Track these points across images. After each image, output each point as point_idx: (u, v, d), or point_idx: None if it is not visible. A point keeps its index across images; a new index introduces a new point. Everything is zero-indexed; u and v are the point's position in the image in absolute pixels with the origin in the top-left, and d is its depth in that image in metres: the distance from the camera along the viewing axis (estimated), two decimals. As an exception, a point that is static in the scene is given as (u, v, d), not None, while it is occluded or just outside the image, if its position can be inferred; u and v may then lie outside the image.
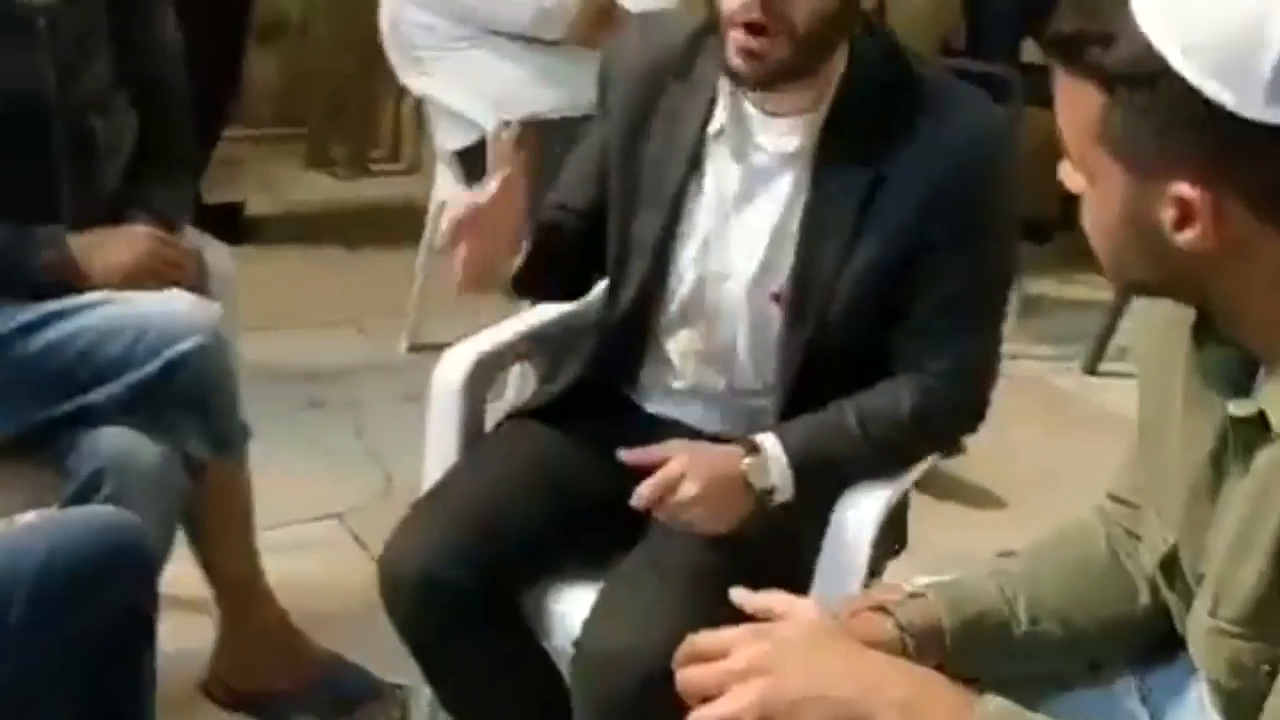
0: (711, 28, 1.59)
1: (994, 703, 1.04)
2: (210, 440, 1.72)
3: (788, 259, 1.60)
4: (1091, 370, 3.52)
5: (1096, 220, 1.03)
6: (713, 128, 1.62)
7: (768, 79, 1.53)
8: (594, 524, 1.65)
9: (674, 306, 1.67)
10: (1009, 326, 1.79)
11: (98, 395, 1.66)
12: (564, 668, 1.62)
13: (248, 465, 1.86)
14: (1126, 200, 0.98)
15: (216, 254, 1.96)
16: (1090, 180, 1.01)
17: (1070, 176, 1.05)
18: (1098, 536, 1.27)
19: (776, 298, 1.61)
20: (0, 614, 1.23)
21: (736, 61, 1.51)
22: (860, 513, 1.54)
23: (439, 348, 2.87)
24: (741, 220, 1.62)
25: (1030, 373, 3.41)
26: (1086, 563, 1.26)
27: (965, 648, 1.18)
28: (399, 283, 3.35)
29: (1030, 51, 3.96)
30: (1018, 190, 1.65)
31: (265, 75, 4.39)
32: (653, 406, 1.74)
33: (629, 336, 1.72)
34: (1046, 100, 1.10)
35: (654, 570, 1.55)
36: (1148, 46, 0.91)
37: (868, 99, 1.57)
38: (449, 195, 1.54)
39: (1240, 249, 0.95)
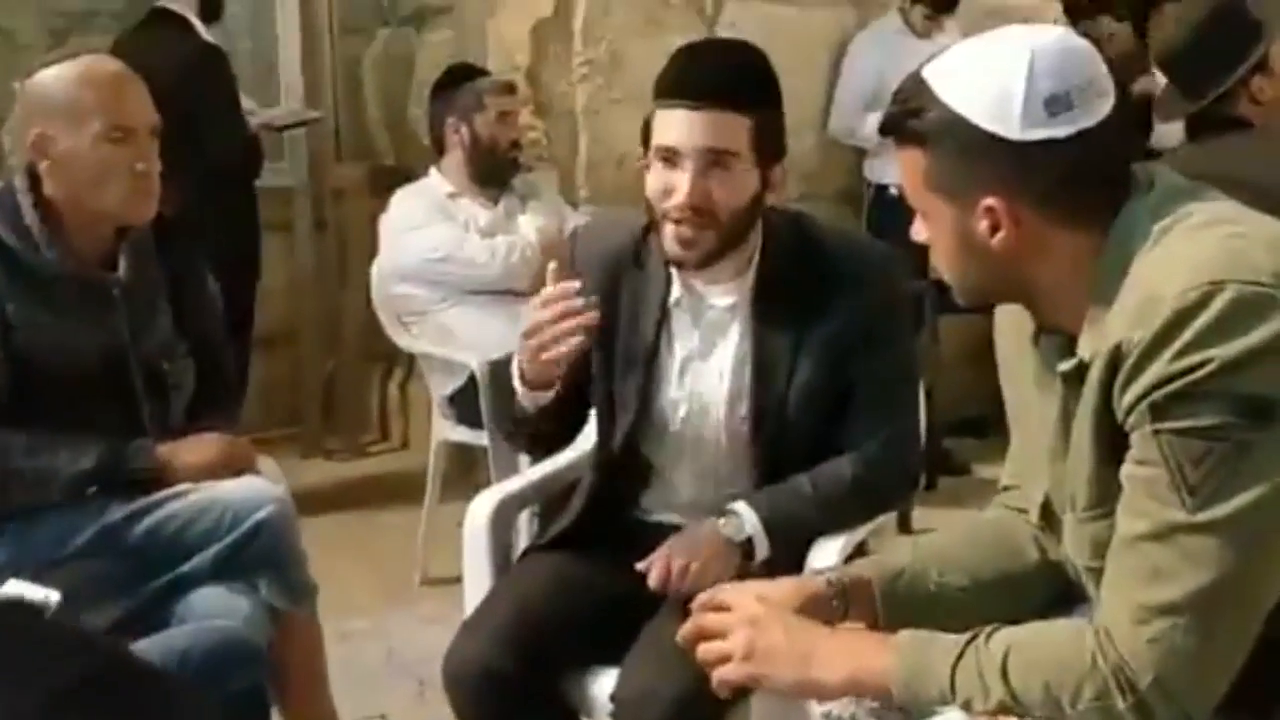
0: (652, 225, 2.00)
1: (904, 632, 1.40)
2: (287, 592, 2.06)
3: (747, 387, 2.00)
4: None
5: (940, 250, 1.44)
6: (672, 299, 2.03)
7: (701, 261, 1.94)
8: (614, 622, 1.98)
9: (668, 440, 2.05)
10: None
11: (191, 565, 2.01)
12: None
13: (318, 620, 2.18)
14: (954, 225, 1.39)
15: (265, 463, 2.34)
16: (929, 222, 1.44)
17: (919, 230, 1.47)
18: (990, 516, 1.63)
19: (744, 420, 2.01)
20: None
21: (675, 249, 1.92)
22: (823, 556, 1.90)
23: (448, 580, 3.22)
24: (706, 364, 2.03)
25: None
26: (980, 532, 1.62)
27: (891, 599, 1.54)
28: (406, 535, 3.72)
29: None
30: (908, 304, 2.09)
31: (257, 382, 4.80)
32: (655, 518, 2.10)
33: (625, 470, 2.09)
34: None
35: (667, 634, 1.87)
36: (946, 108, 1.35)
37: (784, 258, 2.00)
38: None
39: (1037, 241, 1.37)
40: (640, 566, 1.91)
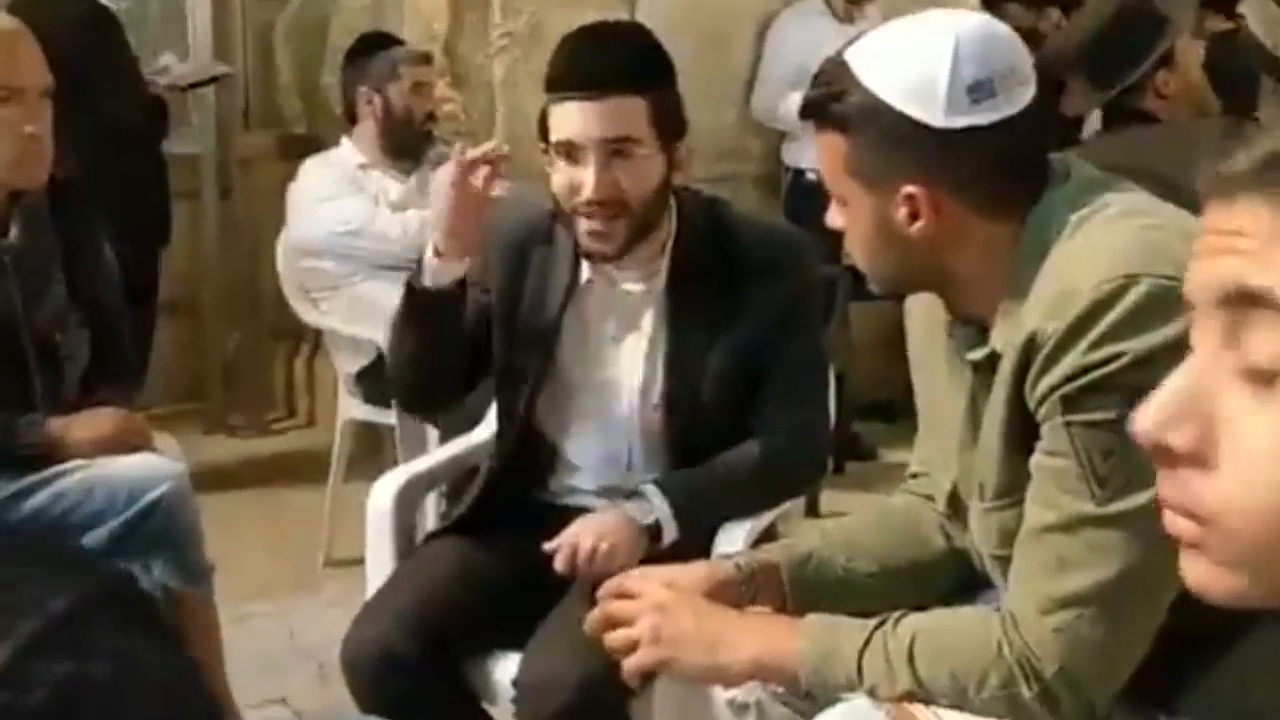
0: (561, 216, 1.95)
1: (812, 616, 1.39)
2: (182, 572, 2.00)
3: (660, 375, 1.97)
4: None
5: (855, 238, 1.42)
6: (582, 281, 1.99)
7: (617, 252, 1.90)
8: (518, 606, 1.94)
9: (574, 423, 2.01)
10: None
11: (84, 543, 1.94)
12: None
13: (214, 601, 2.12)
14: (873, 212, 1.38)
15: (162, 440, 2.27)
16: (846, 209, 1.41)
17: (834, 216, 1.45)
18: (898, 503, 1.63)
19: (657, 408, 1.98)
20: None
21: (589, 243, 1.88)
22: (731, 540, 1.88)
23: (352, 561, 3.17)
24: (619, 350, 1.99)
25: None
26: (888, 518, 1.62)
27: (799, 584, 1.53)
28: (311, 515, 3.64)
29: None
30: (820, 291, 2.08)
31: (158, 354, 4.65)
32: (562, 502, 2.06)
33: (528, 448, 2.05)
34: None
35: (572, 618, 1.84)
36: (867, 93, 1.33)
37: (699, 245, 1.97)
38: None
39: (956, 230, 1.35)
40: (548, 547, 1.87)
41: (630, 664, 1.46)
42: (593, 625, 1.51)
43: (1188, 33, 2.56)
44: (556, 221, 1.99)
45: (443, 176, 1.89)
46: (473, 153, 1.89)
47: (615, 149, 1.83)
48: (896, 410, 4.58)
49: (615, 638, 1.47)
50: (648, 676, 1.56)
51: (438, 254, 1.91)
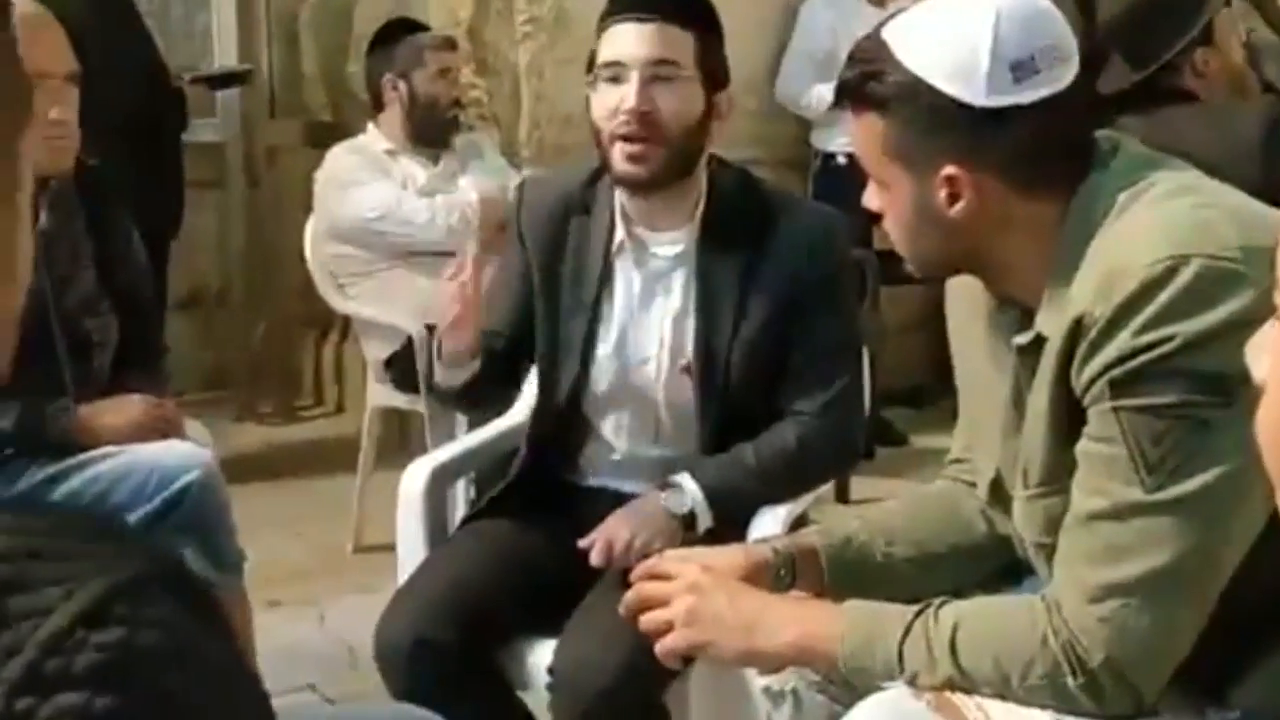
0: (599, 173, 1.98)
1: (852, 601, 1.37)
2: (213, 561, 1.99)
3: (689, 339, 1.96)
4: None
5: (895, 220, 1.40)
6: (615, 246, 1.99)
7: (650, 181, 1.90)
8: (552, 592, 1.93)
9: (602, 391, 2.00)
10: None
11: (114, 531, 1.93)
12: (541, 714, 1.88)
13: (245, 589, 2.12)
14: (912, 194, 1.35)
15: (193, 427, 2.26)
16: (885, 191, 1.39)
17: (872, 199, 1.42)
18: (938, 488, 1.60)
19: (686, 370, 1.97)
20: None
21: (623, 168, 1.89)
22: (766, 526, 1.86)
23: (381, 548, 3.17)
24: (648, 314, 1.99)
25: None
26: (928, 504, 1.59)
27: (838, 568, 1.51)
28: (340, 502, 3.64)
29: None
30: (853, 270, 2.07)
31: (186, 343, 4.68)
32: (591, 481, 2.05)
33: (564, 427, 2.04)
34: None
35: (607, 605, 1.83)
36: (906, 72, 1.30)
37: (729, 210, 1.97)
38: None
39: (999, 211, 1.33)
40: (583, 543, 1.87)
41: (665, 645, 1.44)
42: (628, 607, 1.49)
43: (1228, 9, 2.51)
44: (594, 188, 2.01)
45: (449, 287, 1.93)
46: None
47: (658, 72, 1.88)
48: (926, 395, 4.56)
49: (650, 619, 1.45)
50: (685, 660, 1.54)
51: (440, 359, 1.99)
